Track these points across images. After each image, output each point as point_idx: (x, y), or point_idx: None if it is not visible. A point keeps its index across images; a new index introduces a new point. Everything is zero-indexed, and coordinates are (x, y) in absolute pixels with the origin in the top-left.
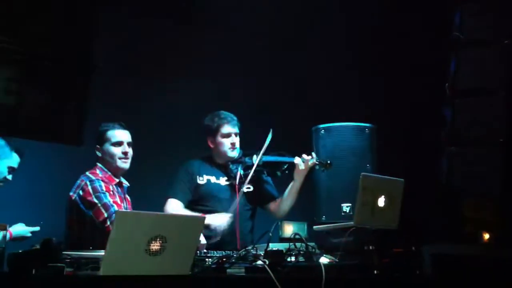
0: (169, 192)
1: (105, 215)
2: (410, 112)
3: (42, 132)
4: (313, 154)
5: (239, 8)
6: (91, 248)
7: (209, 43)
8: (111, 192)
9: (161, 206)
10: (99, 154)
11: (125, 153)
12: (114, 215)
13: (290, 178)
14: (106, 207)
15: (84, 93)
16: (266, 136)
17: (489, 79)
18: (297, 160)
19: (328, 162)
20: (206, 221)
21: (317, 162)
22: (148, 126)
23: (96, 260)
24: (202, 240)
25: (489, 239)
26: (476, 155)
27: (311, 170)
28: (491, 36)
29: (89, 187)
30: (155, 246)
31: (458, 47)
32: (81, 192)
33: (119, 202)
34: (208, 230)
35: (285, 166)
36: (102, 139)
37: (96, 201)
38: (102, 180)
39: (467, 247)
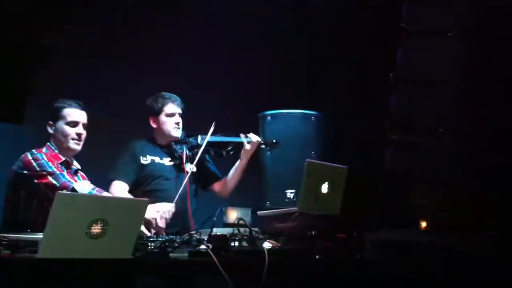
0: (112, 174)
1: (50, 178)
2: (357, 101)
3: None
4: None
5: None
6: (29, 231)
7: (160, 26)
8: (55, 166)
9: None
10: (51, 131)
11: (79, 135)
12: (62, 180)
13: (234, 158)
14: (51, 172)
15: (28, 67)
16: (212, 122)
17: (435, 70)
18: (244, 139)
19: (274, 141)
20: (151, 214)
21: (262, 142)
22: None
23: (34, 243)
24: (162, 224)
25: (426, 227)
26: (420, 143)
27: (256, 150)
28: (437, 28)
29: (30, 157)
30: (96, 229)
31: (405, 38)
32: (20, 164)
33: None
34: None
35: (231, 146)
36: (57, 116)
37: (38, 168)
38: (45, 155)
39: (408, 232)
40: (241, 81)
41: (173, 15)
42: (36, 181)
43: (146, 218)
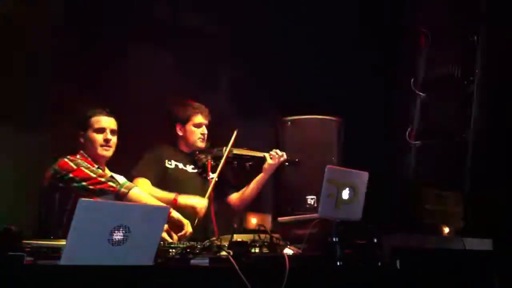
0: (134, 171)
1: (91, 174)
2: (376, 107)
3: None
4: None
5: None
6: (52, 237)
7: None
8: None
9: None
10: (81, 140)
11: (106, 140)
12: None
13: (256, 172)
14: (91, 169)
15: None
16: (232, 130)
17: (456, 74)
18: (269, 154)
19: (297, 160)
20: (191, 202)
21: (286, 159)
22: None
23: (57, 249)
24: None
25: (449, 232)
26: (439, 149)
27: (279, 166)
28: (455, 32)
29: (67, 159)
30: (118, 236)
31: (425, 41)
32: (57, 168)
33: None
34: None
35: (254, 161)
36: (85, 124)
37: (75, 167)
38: (81, 160)
39: (427, 238)
40: (260, 86)
41: (188, 18)
42: (70, 175)
43: (188, 204)
